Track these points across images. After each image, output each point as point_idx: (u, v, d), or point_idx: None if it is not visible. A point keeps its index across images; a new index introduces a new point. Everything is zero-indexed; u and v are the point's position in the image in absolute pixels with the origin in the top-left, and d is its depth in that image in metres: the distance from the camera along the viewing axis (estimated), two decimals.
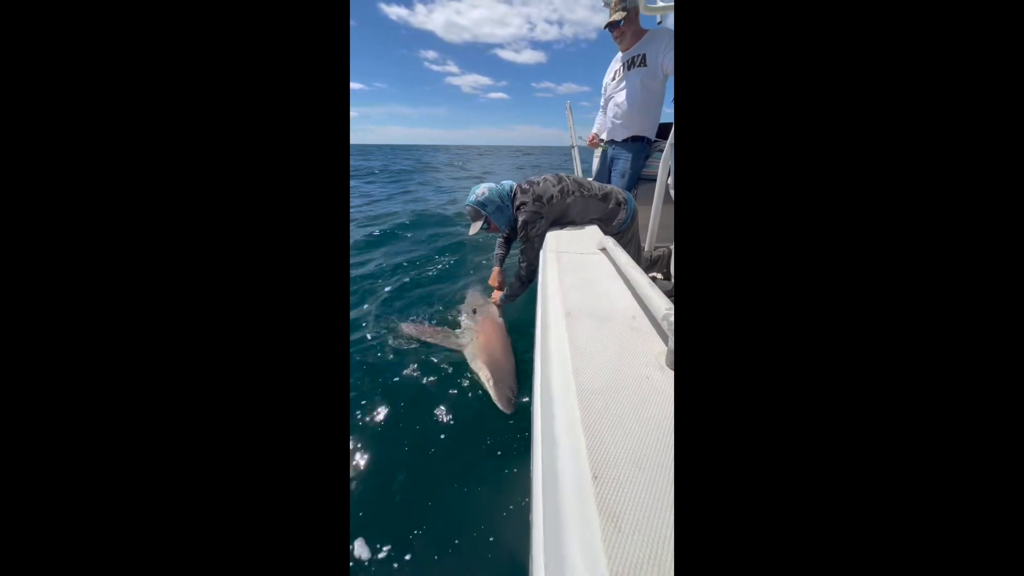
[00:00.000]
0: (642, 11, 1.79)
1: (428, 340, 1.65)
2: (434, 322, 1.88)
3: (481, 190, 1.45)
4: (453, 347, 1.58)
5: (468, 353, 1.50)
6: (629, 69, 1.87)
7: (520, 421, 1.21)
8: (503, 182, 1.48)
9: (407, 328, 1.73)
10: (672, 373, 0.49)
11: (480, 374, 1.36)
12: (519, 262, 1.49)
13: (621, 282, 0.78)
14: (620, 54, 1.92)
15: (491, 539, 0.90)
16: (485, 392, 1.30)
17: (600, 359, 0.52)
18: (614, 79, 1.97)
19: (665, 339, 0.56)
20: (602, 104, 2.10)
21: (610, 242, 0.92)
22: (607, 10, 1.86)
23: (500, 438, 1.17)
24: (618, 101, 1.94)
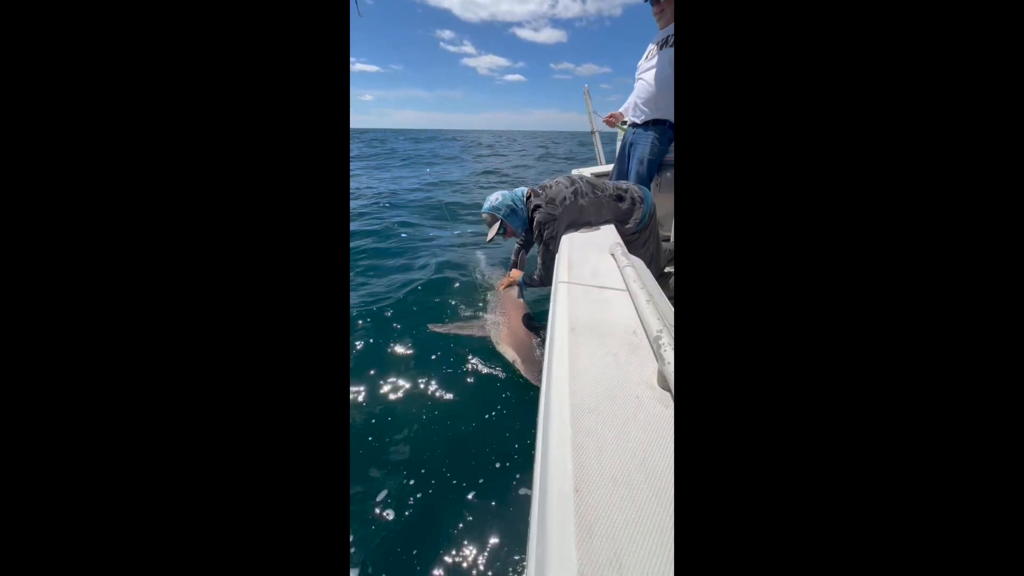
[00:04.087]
0: None
1: (455, 332, 1.81)
2: (456, 315, 2.04)
3: (494, 196, 1.53)
4: (479, 334, 1.74)
5: (494, 339, 1.65)
6: (661, 48, 1.80)
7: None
8: (516, 189, 1.55)
9: (434, 328, 1.90)
10: (662, 392, 0.54)
11: (507, 355, 1.51)
12: (538, 264, 1.55)
13: (626, 294, 0.82)
14: (658, 33, 1.85)
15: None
16: (516, 371, 1.44)
17: (595, 376, 0.57)
18: (646, 58, 1.91)
19: (658, 358, 0.61)
20: (635, 85, 2.05)
21: (619, 250, 0.95)
22: None
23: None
24: (646, 80, 1.88)
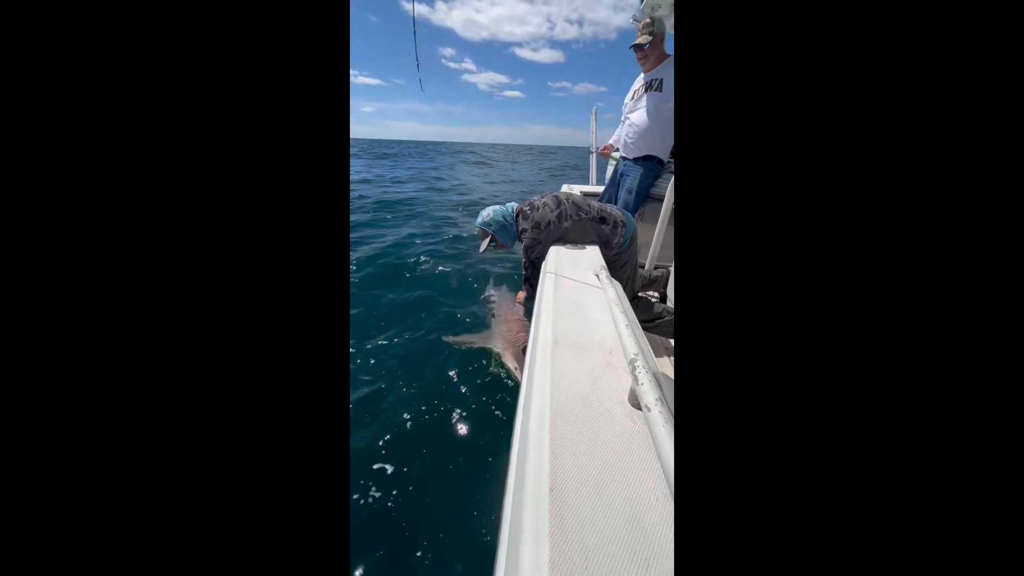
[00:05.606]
0: (668, 30, 1.87)
1: (466, 345, 2.02)
2: (467, 331, 2.27)
3: (486, 212, 1.62)
4: (483, 344, 1.97)
5: (494, 346, 1.91)
6: (647, 91, 1.94)
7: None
8: (506, 204, 1.65)
9: (448, 339, 2.08)
10: (631, 409, 0.60)
11: (508, 364, 1.75)
12: (524, 277, 1.67)
13: (607, 314, 0.89)
14: (642, 75, 1.99)
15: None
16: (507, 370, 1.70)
17: (574, 388, 0.63)
18: (632, 98, 2.05)
19: (633, 378, 0.67)
20: (622, 119, 2.17)
21: (604, 273, 1.02)
22: (635, 24, 1.93)
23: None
24: (633, 121, 2.02)
